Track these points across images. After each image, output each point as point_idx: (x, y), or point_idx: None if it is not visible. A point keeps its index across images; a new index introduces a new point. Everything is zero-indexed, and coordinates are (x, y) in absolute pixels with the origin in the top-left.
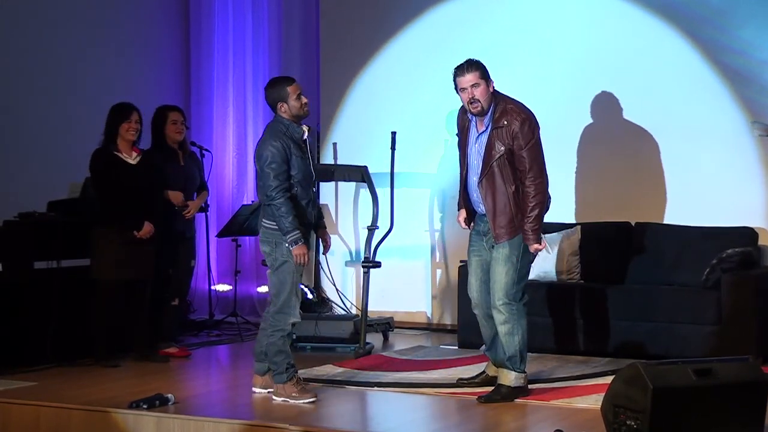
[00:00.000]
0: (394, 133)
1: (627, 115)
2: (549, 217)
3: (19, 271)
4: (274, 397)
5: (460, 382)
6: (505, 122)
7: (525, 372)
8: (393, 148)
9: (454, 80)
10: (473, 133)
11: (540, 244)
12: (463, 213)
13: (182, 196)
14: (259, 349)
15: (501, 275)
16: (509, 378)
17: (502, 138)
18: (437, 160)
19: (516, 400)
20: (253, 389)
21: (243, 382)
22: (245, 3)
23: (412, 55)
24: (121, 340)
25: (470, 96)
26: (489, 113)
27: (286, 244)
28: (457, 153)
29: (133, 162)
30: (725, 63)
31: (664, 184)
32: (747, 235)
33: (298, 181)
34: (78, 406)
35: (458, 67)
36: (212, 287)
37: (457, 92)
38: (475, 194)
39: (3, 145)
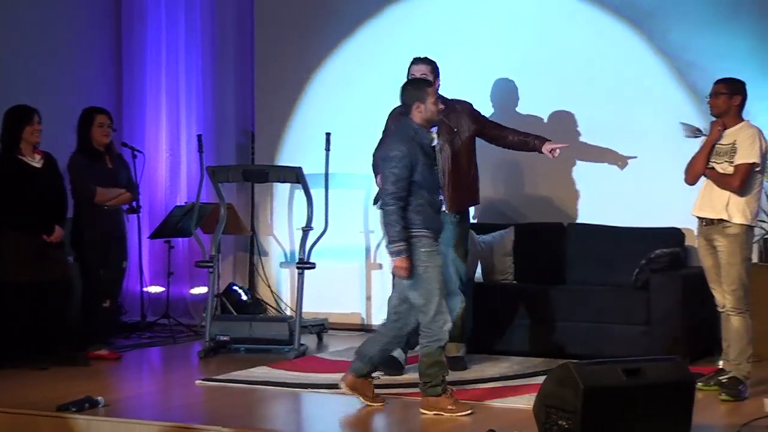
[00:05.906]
0: (328, 134)
1: (558, 116)
2: (482, 218)
3: None
4: (423, 411)
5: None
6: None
7: None
8: (327, 149)
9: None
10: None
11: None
12: None
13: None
14: (362, 349)
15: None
16: None
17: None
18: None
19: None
20: (339, 386)
21: (175, 384)
22: (178, 3)
23: (348, 56)
24: (47, 343)
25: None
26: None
27: (422, 249)
28: None
29: (37, 165)
30: (655, 64)
31: (596, 184)
32: (675, 235)
33: (424, 188)
34: (4, 409)
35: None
36: (144, 289)
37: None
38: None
39: None
